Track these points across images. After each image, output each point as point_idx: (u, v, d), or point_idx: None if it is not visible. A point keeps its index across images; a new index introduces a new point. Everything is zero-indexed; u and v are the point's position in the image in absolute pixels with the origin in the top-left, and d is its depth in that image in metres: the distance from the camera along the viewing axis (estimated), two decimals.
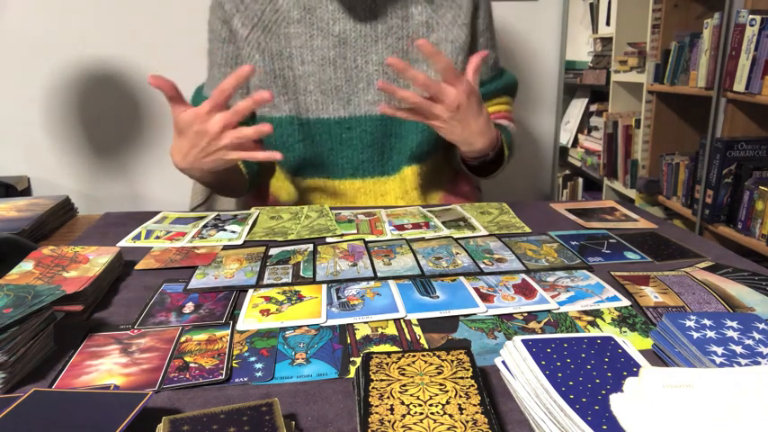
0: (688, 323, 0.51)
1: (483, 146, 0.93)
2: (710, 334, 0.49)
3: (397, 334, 0.56)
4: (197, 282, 0.68)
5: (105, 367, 0.50)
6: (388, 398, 0.42)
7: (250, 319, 0.59)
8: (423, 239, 0.81)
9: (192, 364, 0.51)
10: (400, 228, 0.86)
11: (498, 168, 1.03)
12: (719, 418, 0.38)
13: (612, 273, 0.70)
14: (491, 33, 1.08)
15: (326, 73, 0.99)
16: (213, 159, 0.85)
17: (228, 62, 1.02)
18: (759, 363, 0.45)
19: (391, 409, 0.41)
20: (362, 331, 0.57)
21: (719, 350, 0.47)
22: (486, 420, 0.39)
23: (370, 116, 1.00)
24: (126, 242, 0.81)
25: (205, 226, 0.87)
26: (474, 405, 0.41)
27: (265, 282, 0.67)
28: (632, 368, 0.44)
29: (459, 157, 1.03)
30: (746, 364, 0.45)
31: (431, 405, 0.41)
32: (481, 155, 0.96)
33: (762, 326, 0.50)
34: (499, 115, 1.09)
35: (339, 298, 0.63)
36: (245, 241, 0.81)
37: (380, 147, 1.02)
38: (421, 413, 0.40)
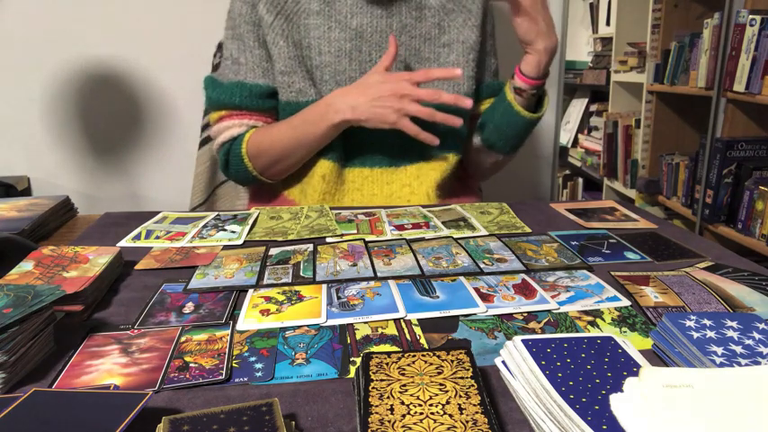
0: (688, 323, 0.51)
1: (555, 42, 1.00)
2: (710, 334, 0.49)
3: (397, 334, 0.56)
4: (197, 282, 0.68)
5: (105, 367, 0.50)
6: (388, 398, 0.42)
7: (250, 319, 0.59)
8: (423, 239, 0.81)
9: (192, 364, 0.51)
10: (400, 228, 0.86)
11: (540, 113, 1.06)
12: (719, 418, 0.38)
13: (612, 273, 0.70)
14: (494, 41, 1.15)
15: (342, 64, 1.01)
16: (387, 113, 0.93)
17: (262, 44, 1.02)
18: (759, 363, 0.45)
19: (391, 409, 0.41)
20: (362, 331, 0.57)
21: (719, 350, 0.47)
22: (486, 420, 0.39)
23: None
24: (126, 242, 0.81)
25: (205, 226, 0.87)
26: (474, 405, 0.41)
27: (265, 282, 0.67)
28: (632, 368, 0.44)
29: (510, 94, 1.04)
30: (746, 364, 0.45)
31: (431, 405, 0.41)
32: (543, 74, 1.02)
33: (762, 326, 0.50)
34: None
35: (339, 298, 0.63)
36: (245, 241, 0.81)
37: (392, 140, 1.03)
38: (421, 413, 0.40)
